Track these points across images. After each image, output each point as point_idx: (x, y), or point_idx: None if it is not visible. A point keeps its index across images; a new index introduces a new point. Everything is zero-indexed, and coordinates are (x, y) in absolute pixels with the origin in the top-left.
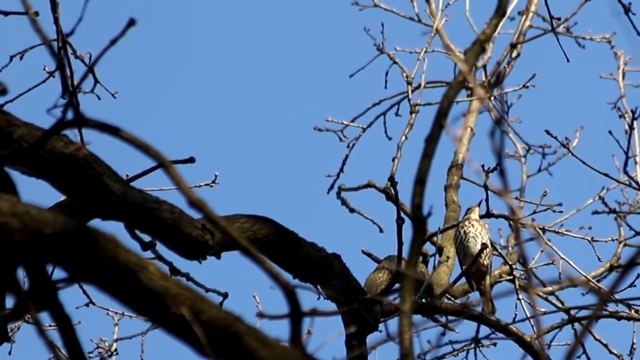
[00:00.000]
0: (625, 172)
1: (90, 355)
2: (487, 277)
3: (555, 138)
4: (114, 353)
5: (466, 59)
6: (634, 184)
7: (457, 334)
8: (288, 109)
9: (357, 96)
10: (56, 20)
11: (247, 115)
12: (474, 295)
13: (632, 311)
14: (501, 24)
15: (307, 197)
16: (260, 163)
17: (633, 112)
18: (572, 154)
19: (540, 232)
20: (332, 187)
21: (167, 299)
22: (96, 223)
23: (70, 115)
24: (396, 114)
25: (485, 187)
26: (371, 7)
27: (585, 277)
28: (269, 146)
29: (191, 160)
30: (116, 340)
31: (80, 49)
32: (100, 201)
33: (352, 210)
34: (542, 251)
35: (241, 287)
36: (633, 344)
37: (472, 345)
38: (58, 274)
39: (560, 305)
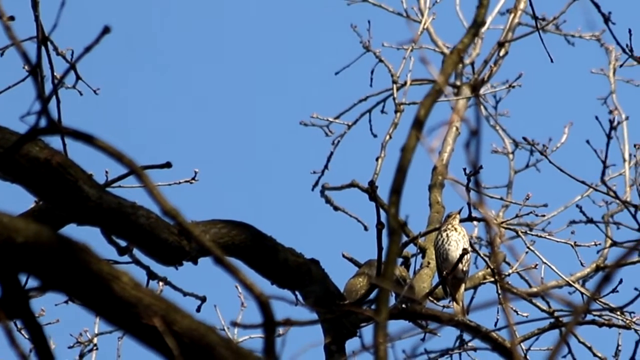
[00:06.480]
0: (603, 182)
1: (70, 348)
2: (463, 285)
3: (532, 144)
4: (94, 348)
5: (444, 68)
6: (611, 193)
7: (439, 337)
8: (273, 104)
9: (343, 93)
10: (36, 19)
11: (231, 109)
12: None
13: (617, 313)
14: (485, 20)
15: (291, 193)
16: (244, 158)
17: (611, 122)
18: (549, 160)
19: (523, 236)
20: (316, 184)
21: (140, 309)
22: (72, 228)
23: (44, 121)
24: (382, 112)
25: (467, 190)
26: (359, 1)
27: (568, 281)
28: (253, 141)
29: (167, 165)
30: (96, 335)
31: (62, 45)
32: (76, 206)
33: (336, 209)
34: (526, 252)
35: (222, 285)
36: (618, 346)
37: (454, 351)
38: (30, 282)
39: (545, 308)
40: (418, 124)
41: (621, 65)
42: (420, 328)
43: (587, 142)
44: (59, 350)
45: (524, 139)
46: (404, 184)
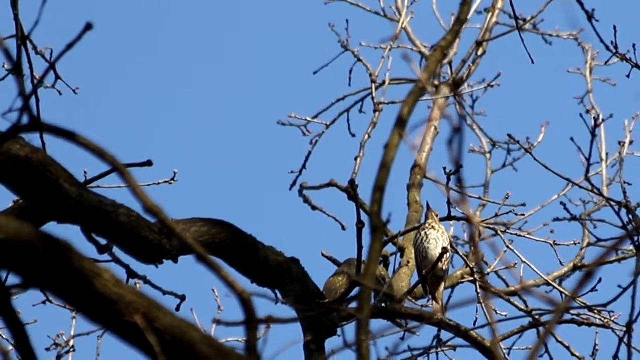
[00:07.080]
0: (587, 180)
1: (48, 350)
2: (443, 284)
3: (517, 142)
4: (72, 350)
5: (427, 65)
6: (595, 190)
7: (418, 337)
8: (251, 104)
9: (321, 93)
10: (16, 17)
11: (209, 109)
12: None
13: (595, 311)
14: (468, 18)
15: (269, 192)
16: (222, 158)
17: (595, 120)
18: (533, 157)
19: (502, 235)
20: (294, 183)
21: (121, 306)
22: (52, 226)
23: (26, 119)
24: (360, 111)
25: (447, 190)
26: (337, 0)
27: (546, 280)
28: (231, 141)
29: (148, 163)
30: (74, 337)
31: (41, 44)
32: (57, 204)
33: (314, 208)
34: (505, 251)
35: (200, 289)
36: (595, 345)
37: (432, 350)
38: (11, 279)
39: (523, 307)
40: (401, 122)
41: (606, 62)
42: (399, 327)
43: (572, 139)
44: (36, 352)
45: (509, 136)
46: (387, 182)
